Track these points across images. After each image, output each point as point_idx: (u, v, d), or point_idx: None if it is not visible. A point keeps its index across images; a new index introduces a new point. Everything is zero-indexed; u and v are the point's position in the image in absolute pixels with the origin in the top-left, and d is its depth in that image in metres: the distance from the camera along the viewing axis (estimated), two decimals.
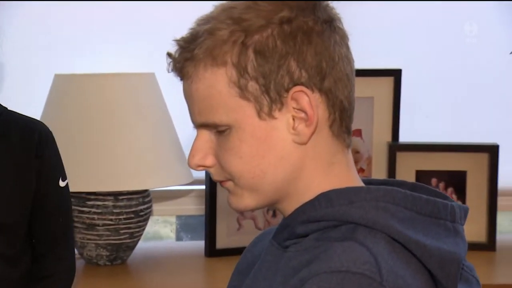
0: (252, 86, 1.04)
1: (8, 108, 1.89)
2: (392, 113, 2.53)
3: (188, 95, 1.08)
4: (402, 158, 2.51)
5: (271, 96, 1.04)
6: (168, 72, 1.09)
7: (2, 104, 1.89)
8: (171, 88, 2.45)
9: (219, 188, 2.40)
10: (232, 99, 1.04)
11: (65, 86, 2.26)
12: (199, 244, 2.50)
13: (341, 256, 0.98)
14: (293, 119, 1.05)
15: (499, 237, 2.53)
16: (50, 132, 1.90)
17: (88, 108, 2.21)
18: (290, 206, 1.10)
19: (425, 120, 2.66)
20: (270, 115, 1.04)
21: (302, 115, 1.04)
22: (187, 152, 2.36)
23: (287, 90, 1.04)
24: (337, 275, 0.96)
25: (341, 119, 1.07)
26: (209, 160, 1.09)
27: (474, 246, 2.36)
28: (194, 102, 1.07)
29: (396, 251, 1.01)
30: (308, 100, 1.03)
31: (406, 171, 2.51)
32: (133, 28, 2.53)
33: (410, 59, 2.62)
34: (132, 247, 2.32)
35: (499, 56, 2.64)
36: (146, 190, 2.31)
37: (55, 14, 2.48)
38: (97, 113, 2.20)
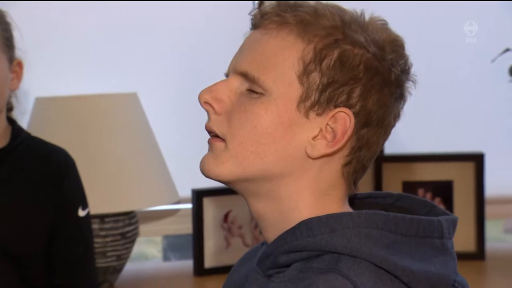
0: (314, 77, 1.03)
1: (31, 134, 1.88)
2: None
3: (252, 42, 1.06)
4: (388, 170, 2.50)
5: (320, 98, 1.03)
6: (249, 14, 1.08)
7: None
8: (154, 107, 2.46)
9: (205, 206, 2.38)
10: (290, 72, 1.03)
11: (46, 109, 2.24)
12: (187, 264, 2.48)
13: None
14: (319, 132, 1.04)
15: (488, 245, 2.52)
16: (72, 161, 1.88)
17: (70, 130, 2.19)
18: (264, 208, 1.07)
19: (412, 129, 2.65)
20: (307, 112, 1.03)
21: (329, 136, 1.03)
22: (172, 171, 2.36)
23: (336, 106, 1.03)
24: None
25: (355, 168, 1.06)
26: (220, 106, 1.06)
27: (463, 256, 2.35)
28: (252, 50, 1.05)
29: (382, 279, 0.99)
30: (347, 126, 1.03)
31: (393, 182, 2.50)
32: (114, 47, 2.52)
33: None
34: (119, 269, 2.30)
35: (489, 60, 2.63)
36: (132, 211, 2.29)
37: (33, 36, 2.45)
38: (80, 135, 2.18)
